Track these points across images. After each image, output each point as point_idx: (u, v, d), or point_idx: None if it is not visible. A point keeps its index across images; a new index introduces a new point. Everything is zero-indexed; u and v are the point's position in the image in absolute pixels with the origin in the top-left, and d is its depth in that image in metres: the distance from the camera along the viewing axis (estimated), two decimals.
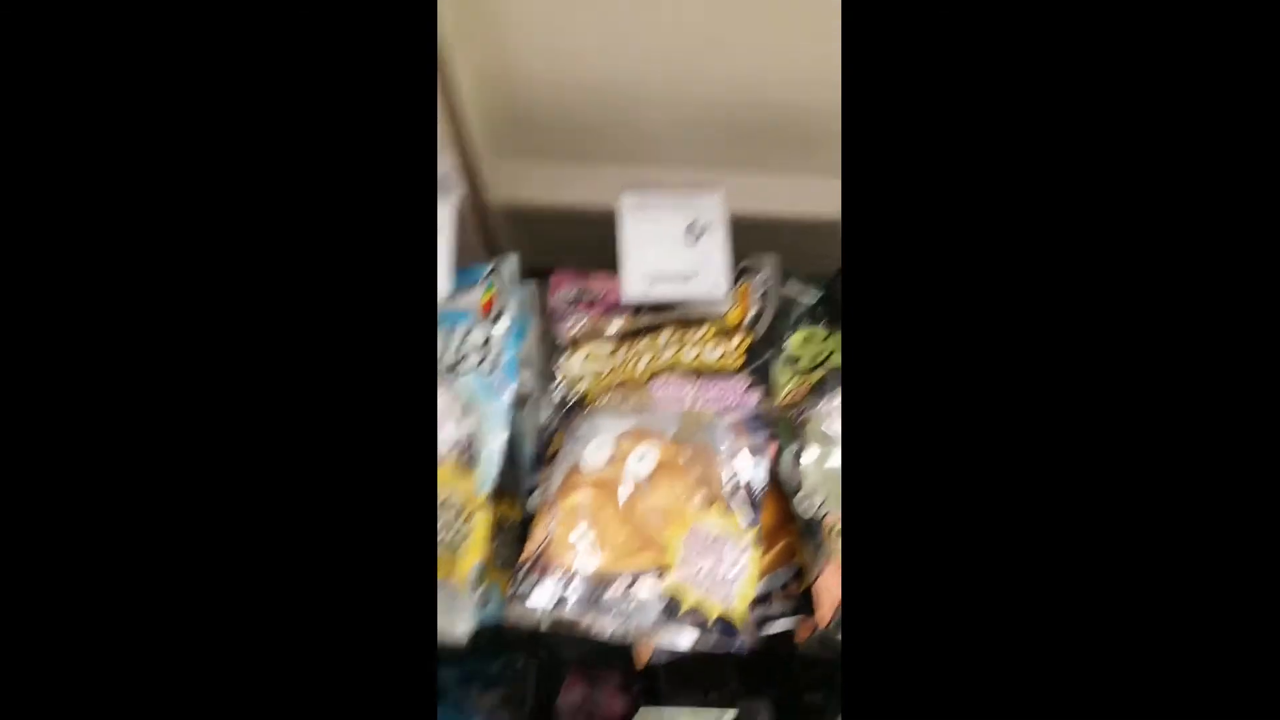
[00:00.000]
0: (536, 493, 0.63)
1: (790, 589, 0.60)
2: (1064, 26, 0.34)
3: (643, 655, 0.58)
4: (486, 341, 0.66)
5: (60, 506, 0.32)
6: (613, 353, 0.68)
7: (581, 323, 0.70)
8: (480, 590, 0.57)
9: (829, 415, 0.62)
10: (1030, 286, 0.34)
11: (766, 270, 0.70)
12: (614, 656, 0.62)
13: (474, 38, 0.69)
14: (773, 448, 0.61)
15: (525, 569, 0.56)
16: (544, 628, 0.54)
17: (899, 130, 0.34)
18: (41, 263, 0.32)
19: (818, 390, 0.65)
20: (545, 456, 0.66)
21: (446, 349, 0.66)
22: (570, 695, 0.69)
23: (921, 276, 0.34)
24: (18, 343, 0.32)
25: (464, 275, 0.68)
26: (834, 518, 0.58)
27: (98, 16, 0.33)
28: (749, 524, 0.56)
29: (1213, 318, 0.33)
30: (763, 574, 0.59)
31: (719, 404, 0.65)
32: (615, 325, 0.69)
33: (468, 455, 0.61)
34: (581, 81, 0.74)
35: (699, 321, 0.68)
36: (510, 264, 0.68)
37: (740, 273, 0.70)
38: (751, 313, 0.68)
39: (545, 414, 0.67)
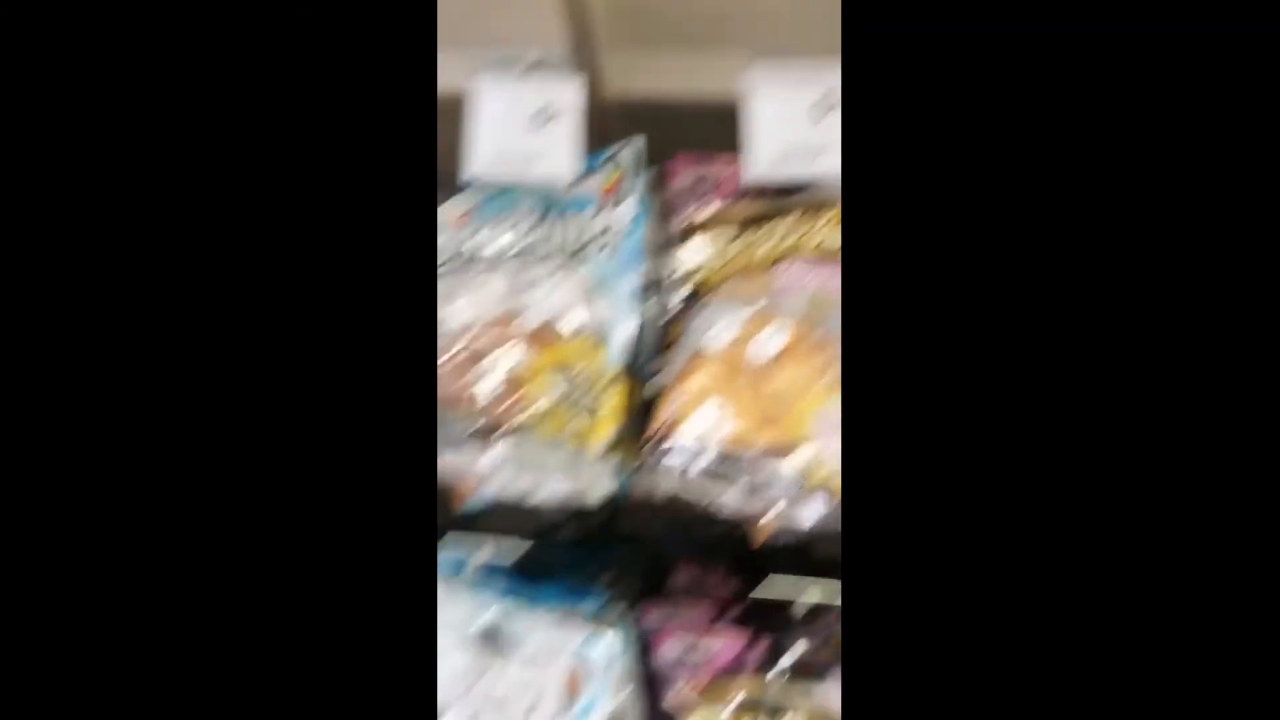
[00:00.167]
0: (659, 376, 0.64)
1: None
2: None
3: (761, 534, 0.59)
4: (608, 228, 0.67)
5: (49, 463, 0.34)
6: (734, 239, 0.68)
7: (703, 208, 0.69)
8: (613, 461, 0.59)
9: None
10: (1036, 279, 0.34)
11: None
12: (728, 539, 0.63)
13: None
14: None
15: (652, 442, 0.57)
16: (668, 500, 0.56)
17: None
18: (30, 245, 0.34)
19: None
20: (666, 342, 0.66)
21: (570, 234, 0.67)
22: (681, 576, 0.70)
23: (922, 272, 0.34)
24: (11, 336, 0.34)
25: (585, 161, 0.68)
26: None
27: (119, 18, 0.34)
28: None
29: (1213, 318, 0.32)
30: None
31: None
32: (737, 210, 0.68)
33: (597, 335, 0.62)
34: None
35: (826, 205, 0.67)
36: (633, 148, 0.68)
37: None
38: None
39: (666, 300, 0.68)
